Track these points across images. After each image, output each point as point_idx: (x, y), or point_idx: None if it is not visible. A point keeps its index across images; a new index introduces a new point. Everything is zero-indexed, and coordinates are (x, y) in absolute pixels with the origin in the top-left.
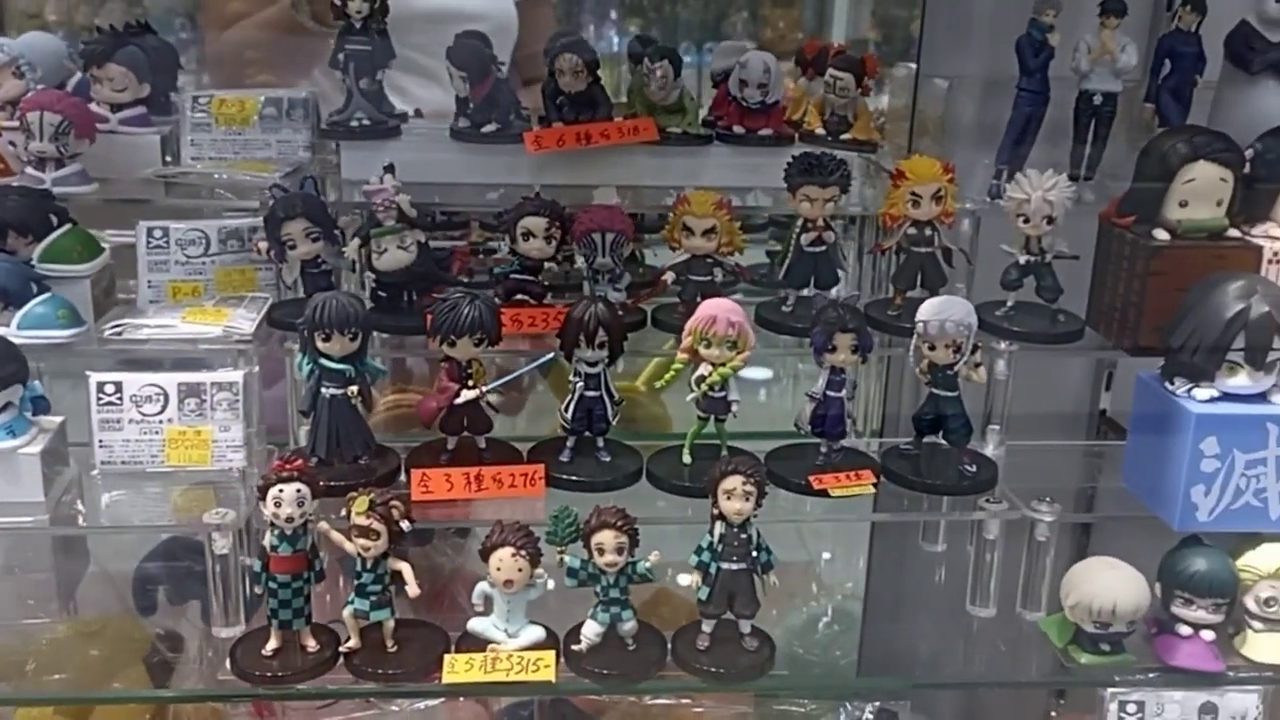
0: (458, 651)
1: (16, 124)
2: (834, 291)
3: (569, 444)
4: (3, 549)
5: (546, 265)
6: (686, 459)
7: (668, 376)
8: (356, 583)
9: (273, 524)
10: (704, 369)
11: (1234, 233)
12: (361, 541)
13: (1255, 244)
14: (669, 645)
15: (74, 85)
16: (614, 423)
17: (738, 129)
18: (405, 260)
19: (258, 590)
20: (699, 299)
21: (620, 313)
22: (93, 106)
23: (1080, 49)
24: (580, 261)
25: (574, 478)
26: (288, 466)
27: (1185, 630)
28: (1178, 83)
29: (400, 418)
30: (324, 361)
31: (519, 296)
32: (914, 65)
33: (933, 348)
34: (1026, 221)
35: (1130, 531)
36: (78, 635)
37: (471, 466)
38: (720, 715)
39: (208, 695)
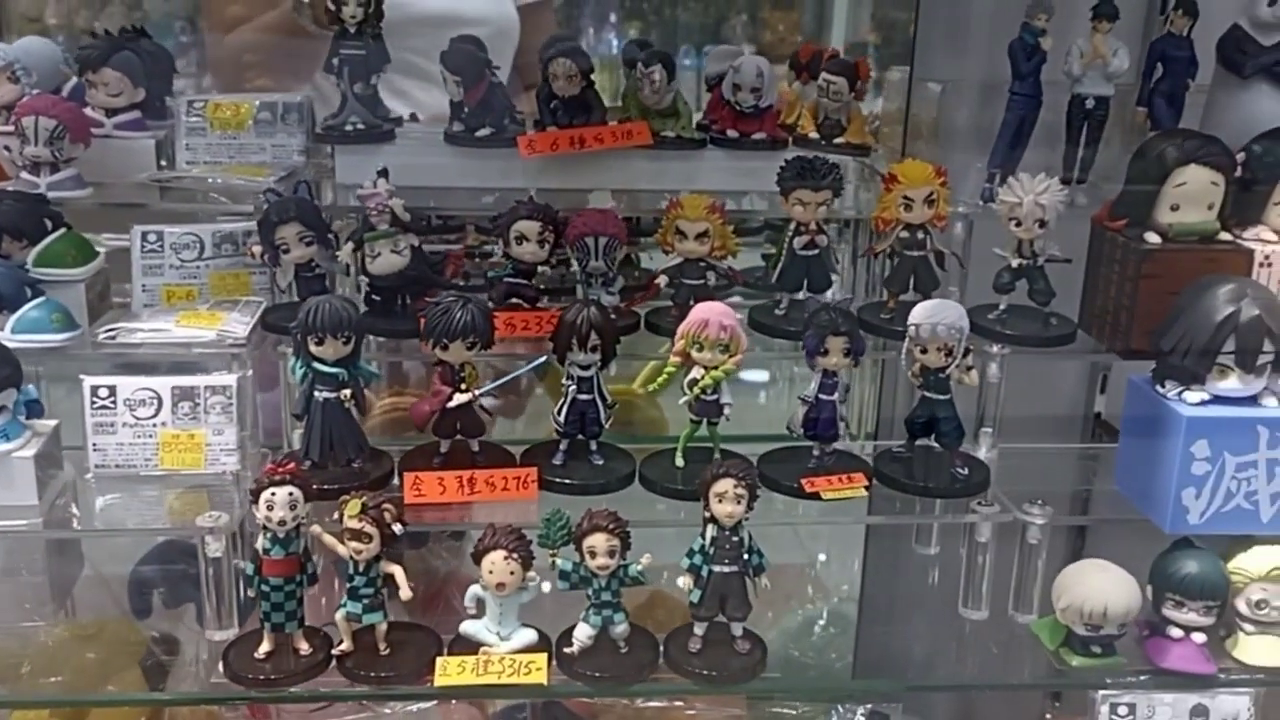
0: (450, 654)
1: (11, 129)
2: (828, 295)
3: (562, 447)
4: None
5: (540, 269)
6: (679, 462)
7: (660, 380)
8: (349, 586)
9: (265, 527)
10: (696, 372)
11: (1225, 236)
12: (354, 544)
13: (1246, 247)
14: (661, 648)
15: (69, 90)
16: (607, 426)
17: (731, 133)
18: (398, 264)
19: (251, 593)
20: (692, 302)
21: (613, 316)
22: (88, 111)
23: (1072, 53)
24: (574, 265)
25: (567, 481)
26: (280, 470)
27: (1176, 633)
28: (1170, 86)
29: (397, 421)
30: (317, 365)
31: (513, 300)
32: (908, 69)
33: (924, 351)
34: (1019, 225)
35: (1124, 534)
36: (73, 638)
37: (464, 470)
38: (713, 717)
39: (200, 698)
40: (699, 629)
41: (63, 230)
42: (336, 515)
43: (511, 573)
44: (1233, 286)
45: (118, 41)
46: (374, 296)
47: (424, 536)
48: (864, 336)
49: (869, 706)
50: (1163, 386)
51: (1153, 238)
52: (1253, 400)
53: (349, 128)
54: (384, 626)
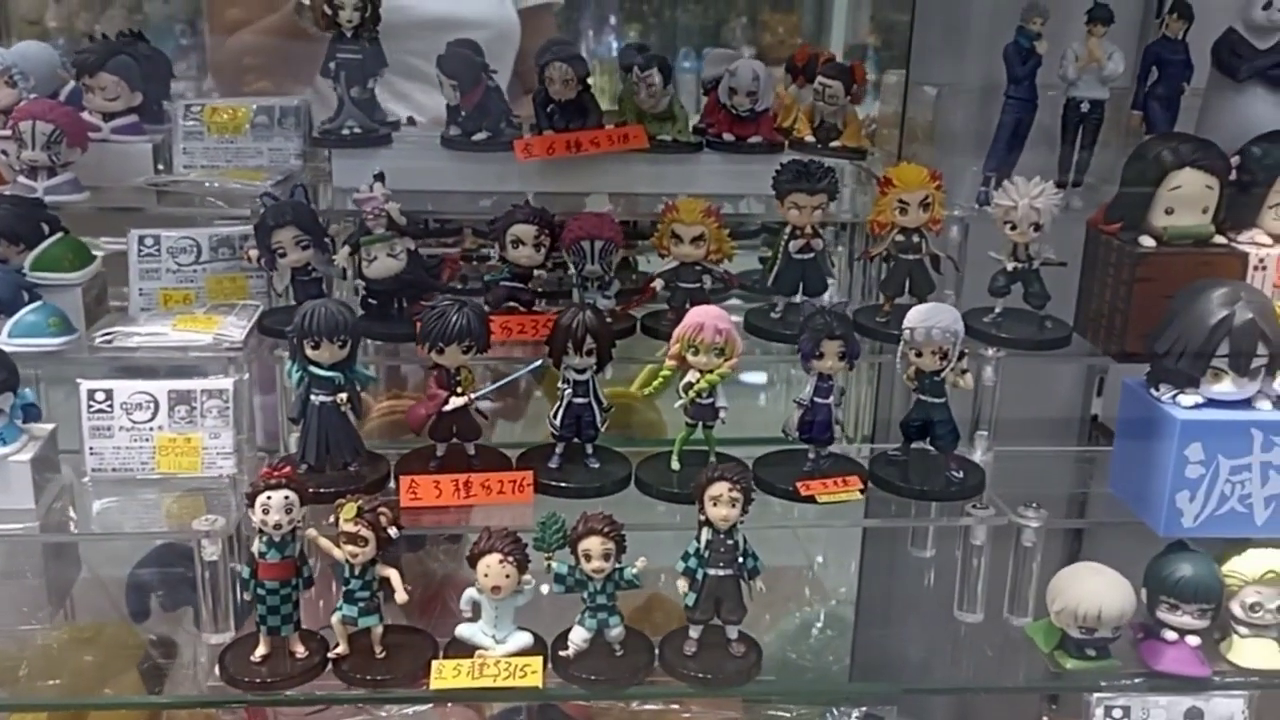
0: (446, 657)
1: (9, 133)
2: (824, 298)
3: (558, 450)
4: None
5: (536, 272)
6: (675, 465)
7: (656, 383)
8: (345, 589)
9: (261, 531)
10: (691, 376)
11: (1219, 239)
12: (349, 548)
13: (1240, 250)
14: (656, 651)
15: (67, 94)
16: (603, 429)
17: (728, 136)
18: (395, 268)
19: (247, 596)
20: (688, 306)
21: (609, 320)
22: (85, 115)
23: (1067, 57)
24: (570, 269)
25: (563, 484)
26: (276, 473)
27: (1171, 635)
28: (1165, 90)
29: (394, 424)
30: (313, 369)
31: (509, 304)
32: (904, 72)
33: (920, 354)
34: (1014, 228)
35: (1119, 537)
36: (70, 641)
37: (460, 473)
38: None
39: (197, 701)
40: (694, 632)
41: (60, 234)
42: (332, 519)
43: (507, 576)
44: (1227, 290)
45: (115, 46)
46: (370, 300)
47: (420, 540)
48: (859, 340)
49: (864, 709)
50: (1157, 390)
51: (1147, 241)
52: (1247, 404)
53: (345, 131)
54: (380, 629)
